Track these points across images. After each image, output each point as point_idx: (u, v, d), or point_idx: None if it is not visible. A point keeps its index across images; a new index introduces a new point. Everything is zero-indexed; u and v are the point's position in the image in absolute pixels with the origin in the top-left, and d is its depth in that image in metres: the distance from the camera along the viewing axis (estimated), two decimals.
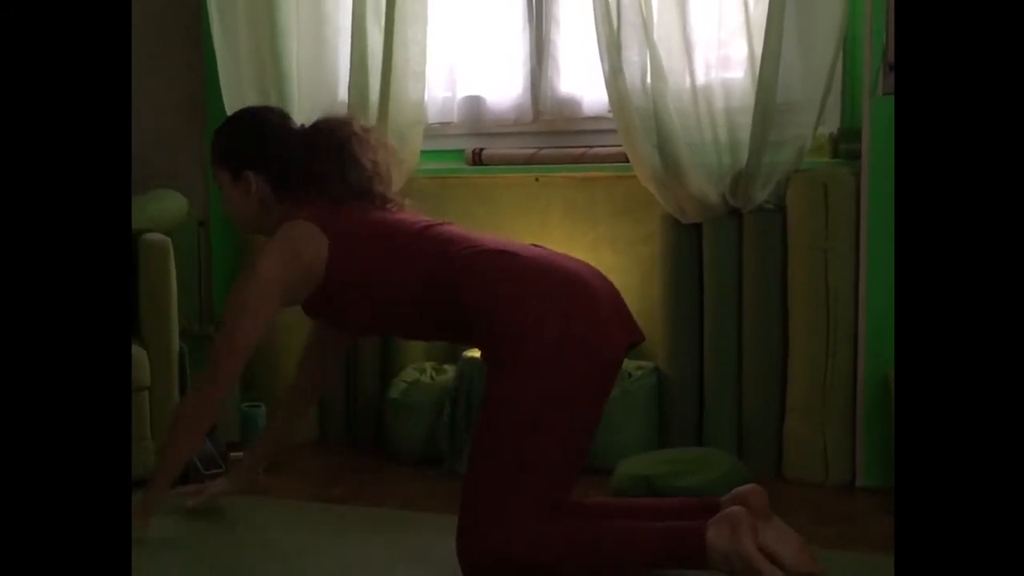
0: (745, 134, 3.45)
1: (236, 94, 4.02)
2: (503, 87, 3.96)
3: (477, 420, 2.59)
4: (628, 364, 3.62)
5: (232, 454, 3.58)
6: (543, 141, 3.93)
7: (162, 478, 2.85)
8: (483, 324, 2.55)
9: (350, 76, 3.88)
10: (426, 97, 3.89)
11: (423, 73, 3.85)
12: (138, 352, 3.48)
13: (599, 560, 2.47)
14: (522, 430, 2.46)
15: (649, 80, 3.51)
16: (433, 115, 3.95)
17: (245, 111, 3.05)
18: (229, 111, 4.01)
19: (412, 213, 2.86)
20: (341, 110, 3.86)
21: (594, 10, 3.52)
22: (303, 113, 4.01)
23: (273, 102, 3.98)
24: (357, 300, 2.72)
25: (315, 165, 2.81)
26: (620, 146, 3.63)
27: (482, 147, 3.95)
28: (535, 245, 2.77)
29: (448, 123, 4.03)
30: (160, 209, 3.79)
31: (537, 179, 3.90)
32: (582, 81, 3.87)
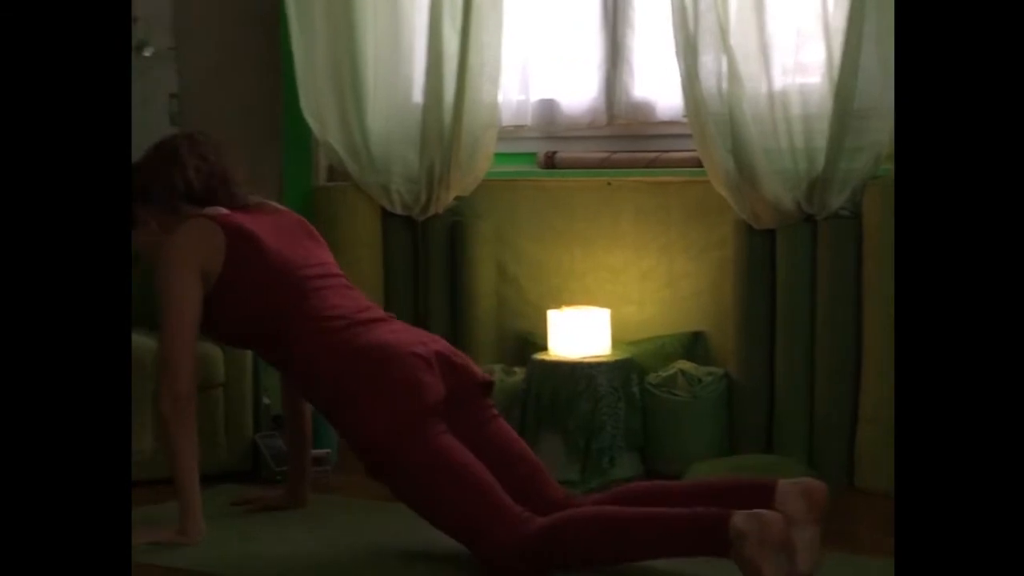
0: (821, 140, 3.42)
1: (313, 95, 4.06)
2: (577, 90, 3.96)
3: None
4: (698, 370, 3.62)
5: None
6: (616, 145, 3.93)
7: (186, 491, 2.85)
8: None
9: (425, 78, 3.91)
10: (500, 99, 3.91)
11: (497, 76, 3.87)
12: (213, 350, 3.53)
13: (616, 546, 2.55)
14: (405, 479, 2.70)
15: (725, 85, 3.50)
16: (507, 118, 3.96)
17: None
18: (305, 112, 4.06)
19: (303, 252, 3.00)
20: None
21: (671, 14, 3.51)
22: (377, 114, 4.05)
23: (349, 103, 4.02)
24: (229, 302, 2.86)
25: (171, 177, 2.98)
26: (694, 151, 3.62)
27: (555, 150, 3.95)
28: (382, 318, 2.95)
29: (521, 126, 4.04)
30: None
31: (609, 183, 3.89)
32: (656, 85, 3.85)
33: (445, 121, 3.90)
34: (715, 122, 3.51)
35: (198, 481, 2.88)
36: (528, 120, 4.04)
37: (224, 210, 2.94)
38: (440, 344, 2.90)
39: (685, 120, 3.63)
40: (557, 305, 3.74)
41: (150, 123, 4.38)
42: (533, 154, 4.01)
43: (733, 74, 3.47)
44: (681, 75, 3.55)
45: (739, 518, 2.39)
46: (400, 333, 2.87)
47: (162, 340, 2.86)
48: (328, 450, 3.55)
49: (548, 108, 4.01)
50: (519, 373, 3.79)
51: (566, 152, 3.95)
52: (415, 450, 2.66)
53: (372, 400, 2.70)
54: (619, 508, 2.64)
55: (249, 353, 3.60)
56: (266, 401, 3.64)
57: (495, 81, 3.87)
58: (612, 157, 3.88)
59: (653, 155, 3.82)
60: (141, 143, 4.14)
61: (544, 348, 3.73)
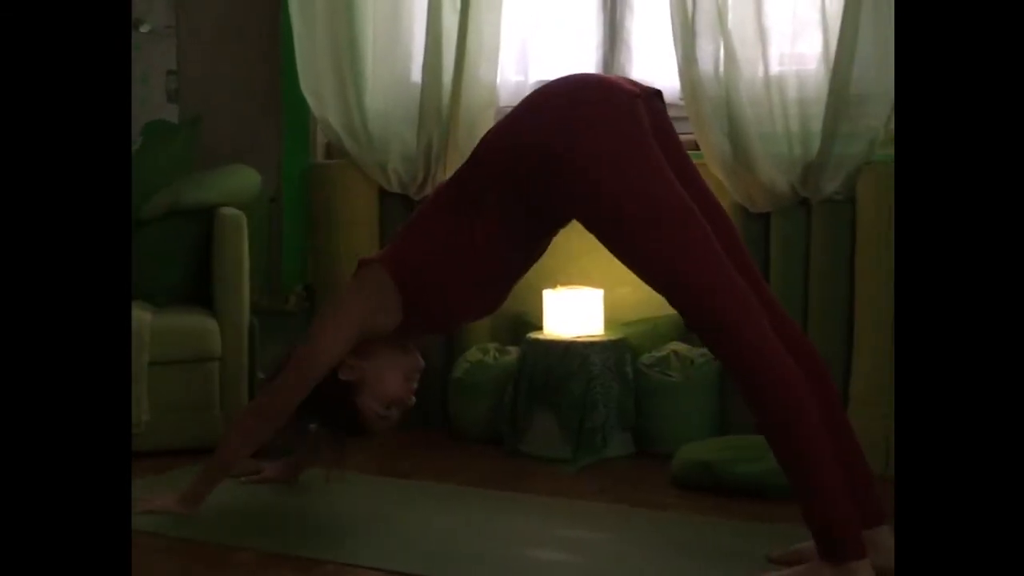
0: (817, 125, 3.45)
1: (312, 73, 4.07)
2: (575, 71, 3.96)
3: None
4: (691, 351, 3.64)
5: None
6: None
7: (210, 475, 2.89)
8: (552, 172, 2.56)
9: (424, 58, 3.92)
10: (498, 79, 3.92)
11: (496, 55, 3.89)
12: (210, 324, 3.56)
13: (787, 439, 2.39)
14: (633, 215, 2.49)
15: (722, 69, 3.52)
16: (505, 98, 3.97)
17: None
18: (304, 89, 4.07)
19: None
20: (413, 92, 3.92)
21: None
22: (377, 93, 4.06)
23: (347, 81, 4.03)
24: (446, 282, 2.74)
25: None
26: (691, 134, 3.63)
27: None
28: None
29: None
30: (234, 184, 3.86)
31: None
32: (654, 68, 3.87)
33: (443, 100, 3.92)
34: (712, 105, 3.53)
35: (224, 476, 2.91)
36: None
37: None
38: None
39: (682, 103, 3.65)
40: (552, 285, 3.76)
41: (148, 100, 4.40)
42: None
43: (730, 58, 3.50)
44: (678, 58, 3.57)
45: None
46: None
47: (292, 361, 2.79)
48: None
49: None
50: (513, 353, 3.81)
51: None
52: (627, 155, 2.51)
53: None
54: (813, 408, 2.40)
55: (246, 328, 3.63)
56: (261, 375, 3.66)
57: (493, 61, 3.89)
58: None
59: None
60: (139, 120, 4.21)
61: (538, 328, 3.76)
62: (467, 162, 2.76)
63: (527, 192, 2.62)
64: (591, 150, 2.50)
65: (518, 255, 2.80)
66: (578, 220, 2.63)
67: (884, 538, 2.48)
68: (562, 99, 2.62)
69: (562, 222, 2.77)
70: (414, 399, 2.93)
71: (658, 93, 2.70)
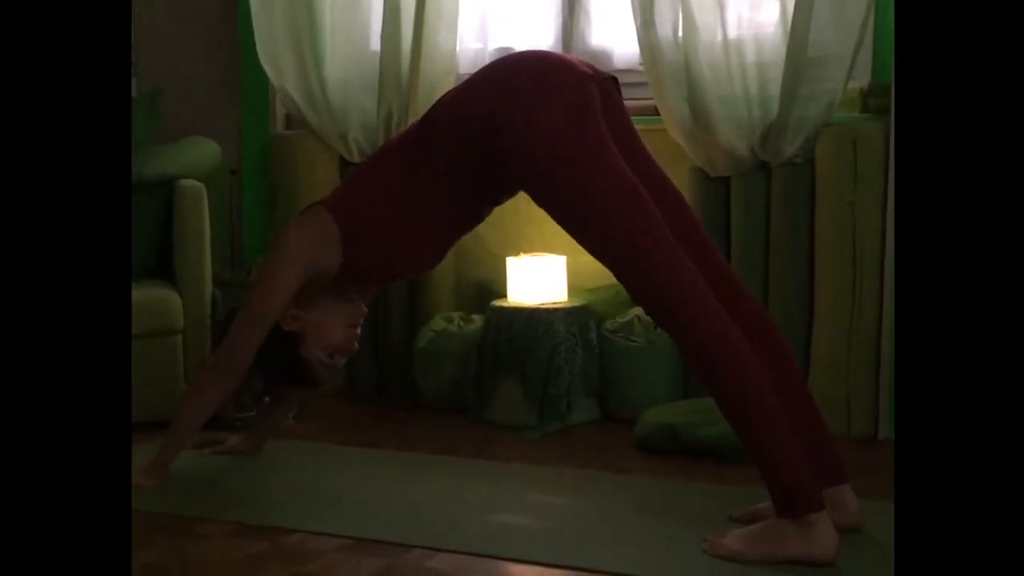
0: (776, 88, 3.46)
1: (269, 42, 4.05)
2: (534, 38, 3.97)
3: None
4: None
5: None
6: None
7: (173, 442, 2.92)
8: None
9: (383, 26, 3.90)
10: (458, 48, 3.91)
11: (455, 23, 3.88)
12: (172, 296, 3.55)
13: (736, 399, 2.40)
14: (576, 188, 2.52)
15: (681, 33, 3.52)
16: (464, 66, 3.96)
17: None
18: (263, 60, 4.05)
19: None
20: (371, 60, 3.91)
21: None
22: (335, 62, 4.04)
23: (306, 51, 4.01)
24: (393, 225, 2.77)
25: None
26: (650, 99, 3.64)
27: None
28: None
29: None
30: (194, 156, 3.84)
31: None
32: (613, 33, 3.87)
33: (403, 69, 3.90)
34: (670, 70, 3.54)
35: (188, 440, 2.94)
36: None
37: None
38: None
39: (642, 68, 3.65)
40: (515, 253, 3.77)
41: None
42: None
43: (688, 23, 3.50)
44: (637, 23, 3.57)
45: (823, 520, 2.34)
46: None
47: (239, 316, 2.85)
48: None
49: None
50: (477, 321, 3.82)
51: None
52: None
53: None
54: (762, 380, 2.41)
55: (208, 300, 3.62)
56: None
57: (452, 29, 3.87)
58: None
59: None
60: None
61: (502, 296, 3.76)
62: (419, 121, 2.80)
63: (474, 158, 2.65)
64: (535, 121, 2.53)
65: (460, 217, 2.84)
66: (524, 191, 2.67)
67: (845, 496, 2.51)
68: (515, 71, 2.65)
69: (508, 191, 2.81)
70: (357, 345, 3.00)
71: (613, 79, 2.74)
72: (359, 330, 2.98)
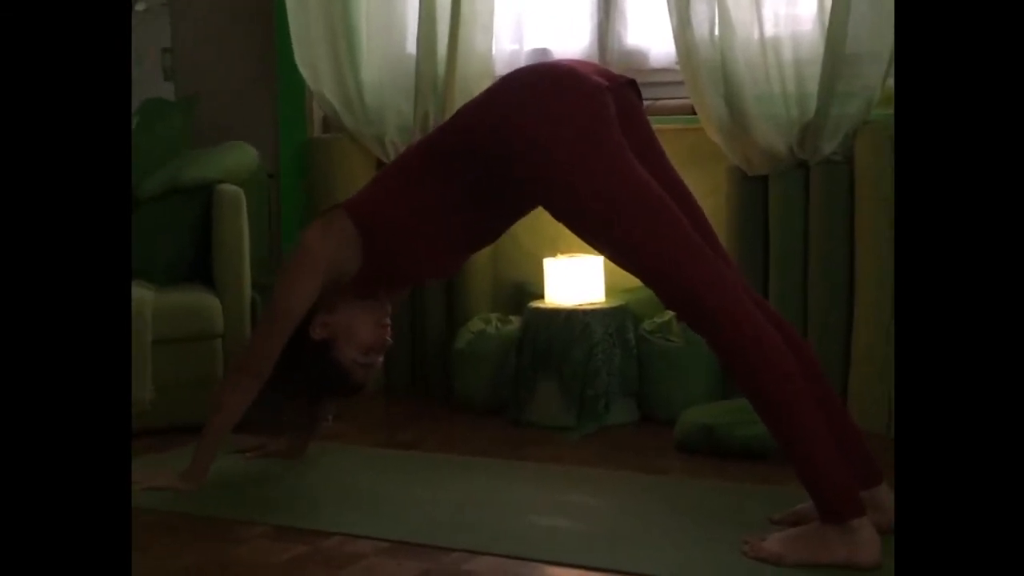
0: (813, 85, 3.44)
1: (306, 46, 4.06)
2: (570, 39, 3.96)
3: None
4: None
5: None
6: None
7: (207, 444, 2.92)
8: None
9: (418, 27, 3.91)
10: (494, 49, 3.91)
11: (491, 25, 3.88)
12: (211, 300, 3.57)
13: (775, 407, 2.39)
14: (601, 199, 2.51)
15: (717, 32, 3.50)
16: (500, 67, 3.96)
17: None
18: (299, 63, 4.07)
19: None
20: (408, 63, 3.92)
21: None
22: (372, 65, 4.05)
23: (342, 54, 4.03)
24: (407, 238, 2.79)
25: None
26: (687, 98, 3.63)
27: None
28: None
29: None
30: (232, 161, 3.86)
31: None
32: (649, 33, 3.86)
33: (439, 71, 3.91)
34: (707, 69, 3.52)
35: (221, 442, 2.95)
36: None
37: None
38: None
39: (678, 67, 3.63)
40: (552, 253, 3.76)
41: (143, 79, 4.39)
42: None
43: (725, 21, 3.48)
44: (673, 23, 3.55)
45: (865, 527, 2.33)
46: None
47: (260, 320, 2.91)
48: None
49: (541, 57, 4.01)
50: (515, 322, 3.82)
51: None
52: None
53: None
54: (801, 383, 2.40)
55: (247, 304, 3.63)
56: None
57: (488, 30, 3.88)
58: None
59: (646, 103, 3.82)
60: (135, 98, 4.19)
61: (540, 296, 3.76)
62: (443, 127, 2.82)
63: (491, 171, 2.67)
64: (547, 138, 2.54)
65: (479, 227, 2.85)
66: (544, 207, 2.68)
67: (883, 497, 2.49)
68: (527, 87, 2.65)
69: (526, 205, 2.83)
70: (391, 340, 3.01)
71: (632, 83, 2.73)
72: (389, 326, 3.00)
